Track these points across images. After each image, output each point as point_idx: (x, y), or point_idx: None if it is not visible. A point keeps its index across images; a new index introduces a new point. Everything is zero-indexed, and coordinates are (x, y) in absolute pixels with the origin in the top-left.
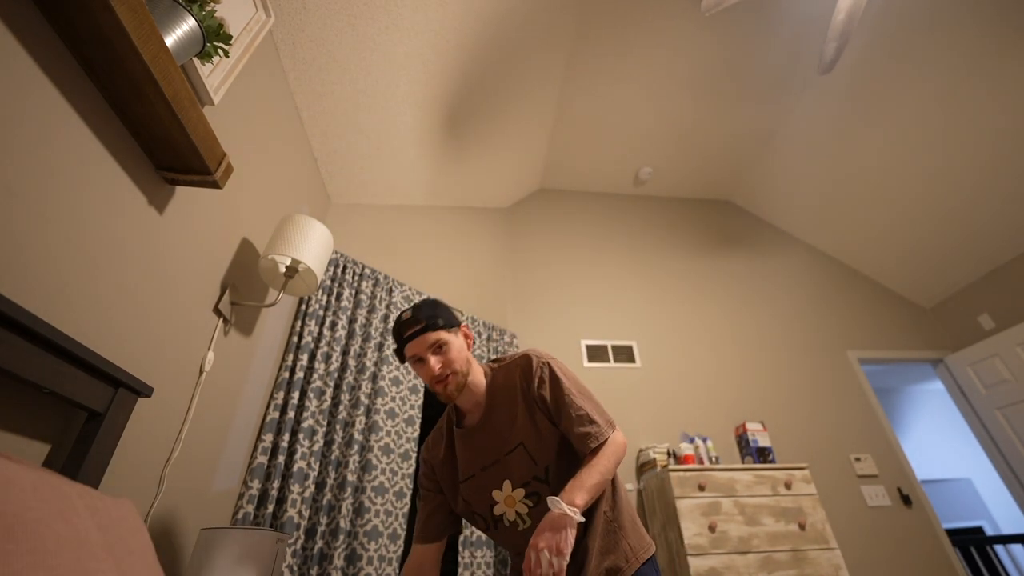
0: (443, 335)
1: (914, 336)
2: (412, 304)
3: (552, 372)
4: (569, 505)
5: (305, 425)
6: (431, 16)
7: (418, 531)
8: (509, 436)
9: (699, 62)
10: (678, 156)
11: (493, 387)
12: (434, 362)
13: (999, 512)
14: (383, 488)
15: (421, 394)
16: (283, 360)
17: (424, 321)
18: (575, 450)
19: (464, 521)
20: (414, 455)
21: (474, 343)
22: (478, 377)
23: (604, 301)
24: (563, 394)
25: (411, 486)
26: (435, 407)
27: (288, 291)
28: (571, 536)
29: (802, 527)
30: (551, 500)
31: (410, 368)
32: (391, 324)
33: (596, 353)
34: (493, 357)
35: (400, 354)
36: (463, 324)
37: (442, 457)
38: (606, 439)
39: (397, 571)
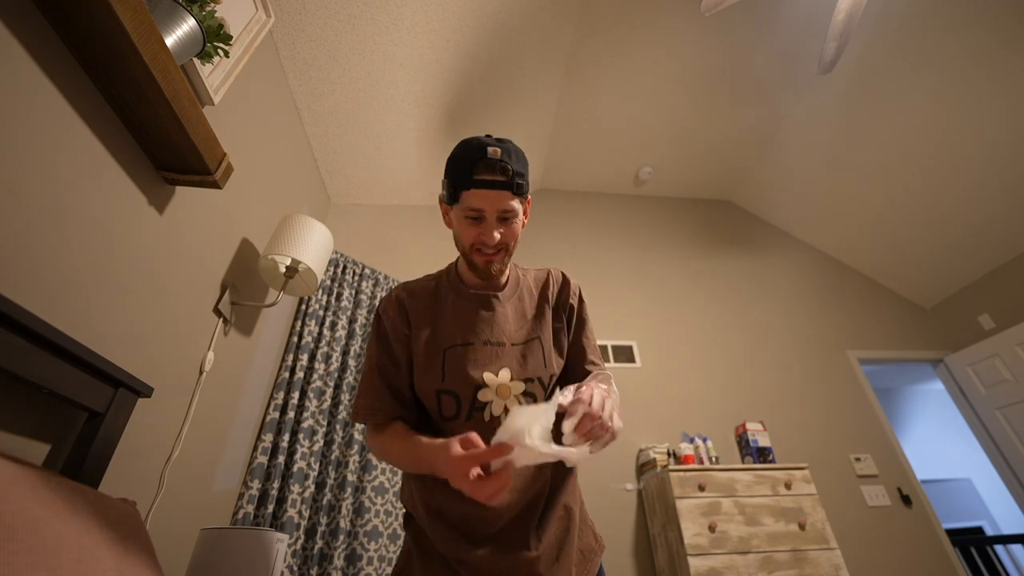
0: (518, 204)
1: (914, 336)
2: (500, 138)
3: (581, 295)
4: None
5: (305, 425)
6: (431, 16)
7: (371, 407)
8: (528, 326)
9: (699, 62)
10: (678, 156)
11: (520, 275)
12: (496, 232)
13: (999, 512)
14: (383, 488)
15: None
16: (283, 360)
17: (512, 175)
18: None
19: None
20: None
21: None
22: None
23: (604, 301)
24: (586, 318)
25: None
26: None
27: (288, 291)
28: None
29: (802, 527)
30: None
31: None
32: None
33: None
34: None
35: (454, 191)
36: (529, 196)
37: (423, 309)
38: (608, 379)
39: None
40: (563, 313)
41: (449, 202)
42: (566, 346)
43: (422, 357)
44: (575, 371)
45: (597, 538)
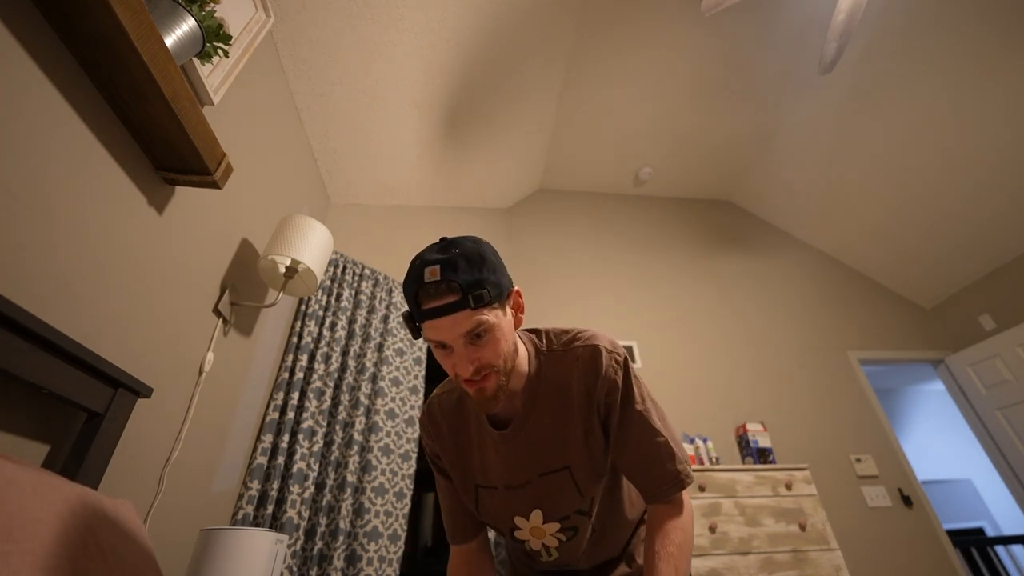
0: (488, 316)
1: (914, 336)
2: (443, 239)
3: (628, 373)
4: None
5: (305, 426)
6: (431, 16)
7: (449, 528)
8: (552, 453)
9: (699, 62)
10: (678, 156)
11: (540, 378)
12: (467, 359)
13: (1000, 513)
14: (383, 489)
15: (421, 395)
16: (283, 361)
17: (462, 290)
18: (622, 480)
19: None
20: (414, 456)
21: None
22: (521, 363)
23: (604, 301)
24: (633, 406)
25: (411, 487)
26: None
27: (288, 291)
28: None
29: (802, 528)
30: None
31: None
32: (391, 325)
33: None
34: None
35: (415, 327)
36: (516, 289)
37: (448, 433)
38: (685, 486)
39: (397, 572)
40: (597, 414)
41: (415, 337)
42: (606, 456)
43: (459, 483)
44: (638, 484)
45: None
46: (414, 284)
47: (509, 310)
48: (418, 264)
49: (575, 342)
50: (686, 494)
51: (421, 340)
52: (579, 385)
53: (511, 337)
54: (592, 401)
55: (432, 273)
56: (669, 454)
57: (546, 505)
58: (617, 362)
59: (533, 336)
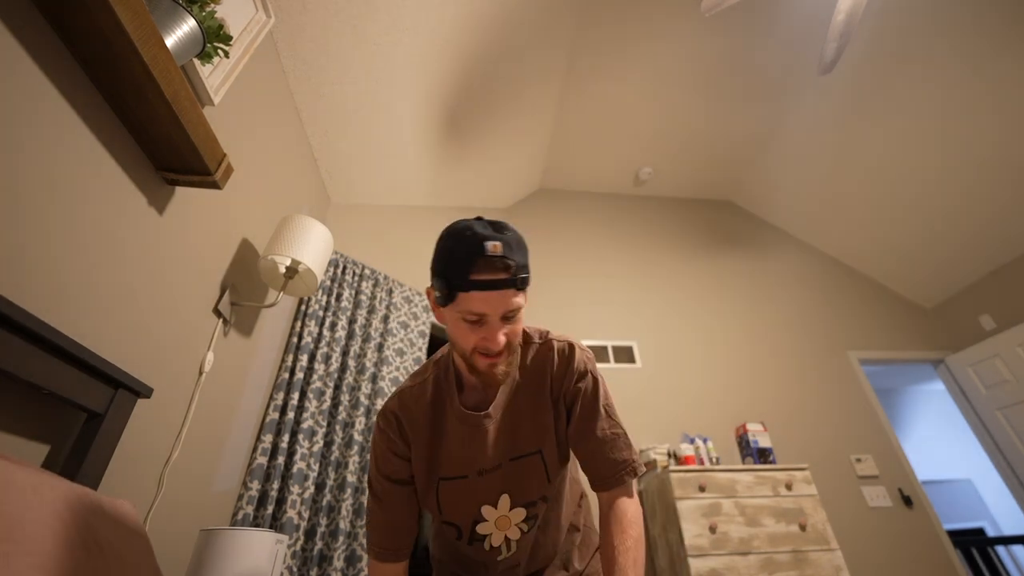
0: (522, 300)
1: (915, 336)
2: (489, 222)
3: (596, 371)
4: None
5: (305, 426)
6: (431, 16)
7: (376, 541)
8: (527, 437)
9: (699, 62)
10: (678, 156)
11: (523, 369)
12: (501, 336)
13: (1000, 513)
14: None
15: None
16: (283, 361)
17: (515, 271)
18: (568, 462)
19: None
20: None
21: None
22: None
23: (604, 301)
24: (598, 400)
25: None
26: None
27: (288, 291)
28: None
29: (803, 528)
30: None
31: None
32: (391, 325)
33: (596, 354)
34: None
35: (449, 291)
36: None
37: (421, 423)
38: (637, 474)
39: None
40: (564, 402)
41: (443, 303)
42: (567, 443)
43: (421, 482)
44: (591, 470)
45: None
46: (473, 248)
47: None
48: (471, 236)
49: (552, 338)
50: (634, 487)
51: (424, 342)
52: (553, 374)
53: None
54: (561, 389)
55: (495, 248)
56: (626, 444)
57: (515, 490)
58: (588, 359)
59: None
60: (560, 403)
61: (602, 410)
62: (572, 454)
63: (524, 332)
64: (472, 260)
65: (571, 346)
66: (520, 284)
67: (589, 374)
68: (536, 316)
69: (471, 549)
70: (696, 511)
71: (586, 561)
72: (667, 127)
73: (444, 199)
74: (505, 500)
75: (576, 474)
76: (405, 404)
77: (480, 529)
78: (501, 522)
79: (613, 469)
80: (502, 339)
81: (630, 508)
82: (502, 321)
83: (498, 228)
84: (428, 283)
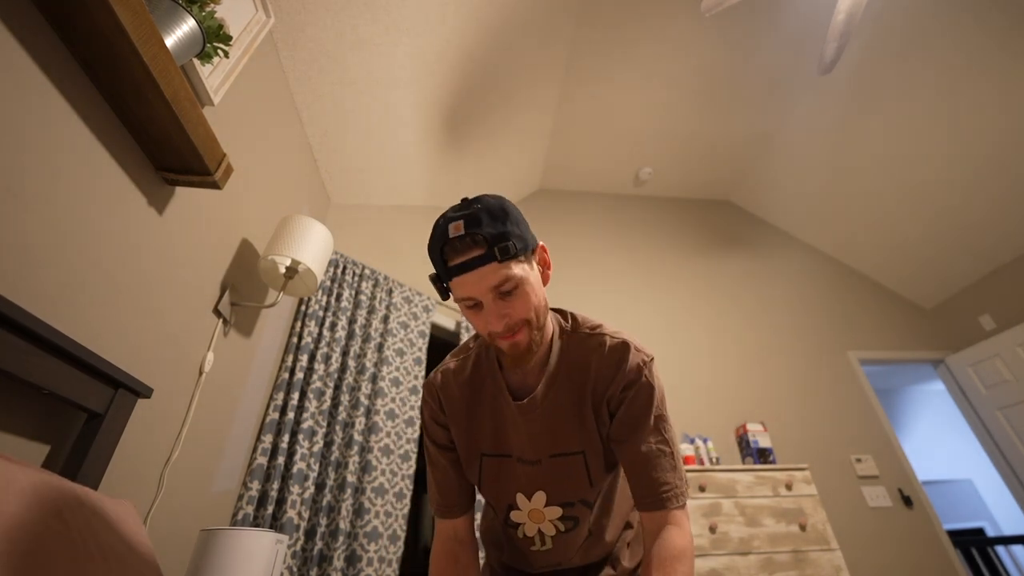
0: (516, 269)
1: (914, 336)
2: (464, 199)
3: (653, 376)
4: None
5: (305, 426)
6: (431, 17)
7: (438, 502)
8: (567, 434)
9: (699, 62)
10: (678, 156)
11: (559, 358)
12: (499, 315)
13: (1000, 513)
14: (383, 489)
15: (421, 395)
16: (283, 361)
17: (488, 243)
18: (617, 483)
19: None
20: (414, 456)
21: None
22: (547, 330)
23: (604, 301)
24: (651, 409)
25: (411, 487)
26: None
27: (288, 292)
28: None
29: (803, 528)
30: None
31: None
32: (391, 325)
33: None
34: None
35: (443, 287)
36: (541, 245)
37: (459, 400)
38: (677, 507)
39: (397, 572)
40: (608, 408)
41: (445, 297)
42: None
43: (464, 453)
44: (633, 486)
45: None
46: (439, 242)
47: (536, 265)
48: (441, 223)
49: (603, 332)
50: (686, 519)
51: (424, 342)
52: (597, 372)
53: (541, 291)
54: (607, 391)
55: (456, 228)
56: (673, 466)
57: (552, 488)
58: (644, 361)
59: (559, 315)
60: (603, 408)
61: (652, 421)
62: None
63: (573, 319)
64: (443, 249)
65: (624, 344)
66: (503, 254)
67: (643, 380)
68: None
69: (508, 532)
70: (696, 511)
71: (636, 560)
72: (667, 127)
73: (444, 199)
74: (540, 496)
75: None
76: (447, 380)
77: (513, 516)
78: (534, 515)
79: (658, 490)
80: (500, 322)
81: (677, 541)
82: (498, 299)
83: (466, 205)
84: (427, 283)
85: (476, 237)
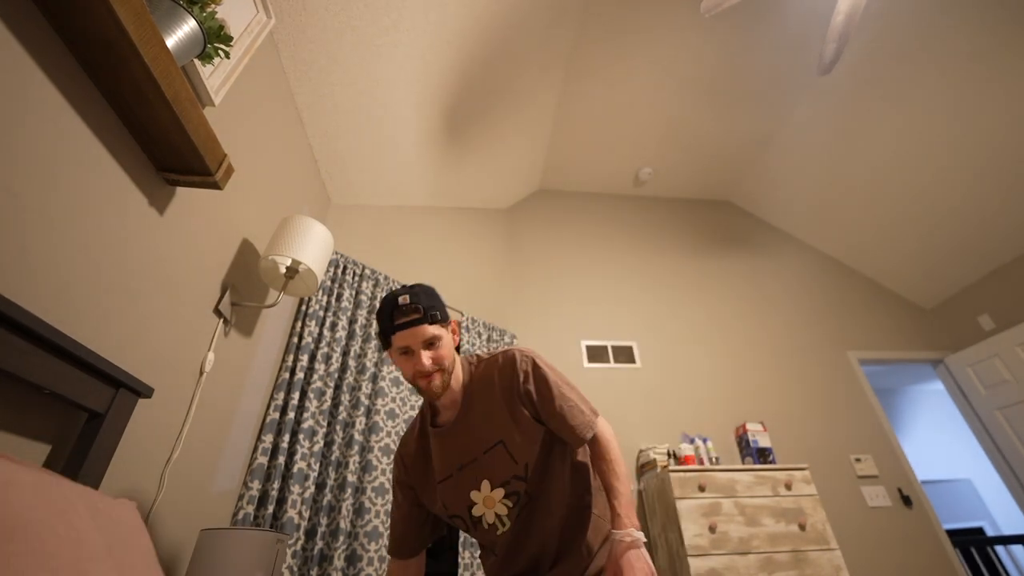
0: (439, 330)
1: (914, 336)
2: (404, 285)
3: (536, 366)
4: (633, 529)
5: (305, 426)
6: (431, 17)
7: (394, 545)
8: (487, 434)
9: (699, 63)
10: (678, 157)
11: (472, 384)
12: (425, 358)
13: (1000, 513)
14: (383, 489)
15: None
16: (283, 361)
17: (423, 311)
18: (553, 446)
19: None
20: None
21: (460, 339)
22: (458, 373)
23: (604, 301)
24: (550, 387)
25: None
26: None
27: (288, 292)
28: (649, 557)
29: (802, 528)
30: (615, 533)
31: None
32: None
33: (596, 354)
34: (476, 353)
35: (385, 339)
36: (453, 320)
37: (414, 455)
38: (597, 428)
39: None
40: (521, 401)
41: (384, 348)
42: (534, 427)
43: (427, 493)
44: (565, 437)
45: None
46: (390, 307)
47: (449, 332)
48: (390, 297)
49: (496, 353)
50: (605, 425)
51: None
52: (501, 381)
53: (452, 350)
54: (515, 391)
55: (404, 299)
56: (579, 410)
57: (490, 474)
58: (526, 358)
59: (469, 358)
60: (514, 402)
61: (553, 390)
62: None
63: (478, 357)
64: (392, 312)
65: (510, 354)
66: (431, 319)
67: (530, 372)
68: (536, 316)
69: (478, 533)
70: (696, 511)
71: (595, 550)
72: (667, 127)
73: (444, 199)
74: (486, 484)
75: (584, 458)
76: (405, 442)
77: (475, 512)
78: (487, 501)
79: (576, 431)
80: (427, 360)
81: (604, 448)
82: (426, 348)
83: (409, 287)
84: (427, 281)
85: (416, 307)
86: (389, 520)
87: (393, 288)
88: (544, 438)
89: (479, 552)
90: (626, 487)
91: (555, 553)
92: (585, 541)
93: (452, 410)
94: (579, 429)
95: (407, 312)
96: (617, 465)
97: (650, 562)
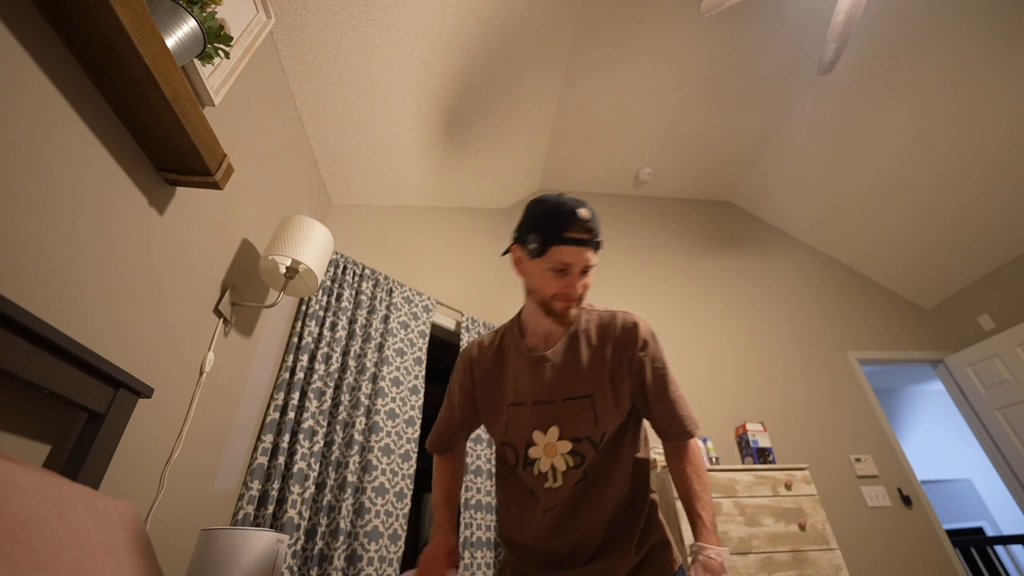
0: (597, 259)
1: (914, 337)
2: (569, 196)
3: (656, 342)
4: (724, 550)
5: (305, 426)
6: (431, 17)
7: (437, 440)
8: (579, 382)
9: (699, 63)
10: (678, 157)
11: (584, 328)
12: (580, 284)
13: (999, 513)
14: (383, 489)
15: (421, 395)
16: (283, 361)
17: (598, 236)
18: (628, 431)
19: (459, 512)
20: (414, 456)
21: None
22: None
23: (604, 302)
24: (667, 370)
25: (411, 487)
26: (435, 408)
27: (288, 292)
28: None
29: (802, 528)
30: (704, 548)
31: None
32: (391, 325)
33: None
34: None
35: (543, 245)
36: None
37: (488, 368)
38: (697, 432)
39: (398, 572)
40: (627, 370)
41: (536, 255)
42: (628, 401)
43: (489, 410)
44: (665, 426)
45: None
46: (568, 213)
47: None
48: (569, 203)
49: (615, 311)
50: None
51: (424, 342)
52: (615, 340)
53: None
54: (625, 355)
55: (585, 214)
56: (688, 405)
57: (564, 423)
58: (649, 329)
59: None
60: (622, 366)
61: (670, 374)
62: (636, 427)
63: (591, 305)
64: (567, 221)
65: (635, 320)
66: (597, 246)
67: (652, 344)
68: None
69: (525, 475)
70: None
71: (644, 551)
72: (667, 127)
73: (444, 199)
74: (554, 431)
75: (646, 453)
76: (483, 349)
77: (531, 453)
78: (548, 449)
79: (684, 423)
80: (580, 288)
81: (699, 450)
82: (581, 274)
83: (584, 202)
84: (427, 282)
85: (593, 226)
86: (436, 417)
87: (392, 288)
88: (628, 419)
89: (495, 508)
90: (711, 499)
91: (598, 545)
92: (634, 541)
93: (546, 341)
94: (687, 421)
95: (585, 229)
96: (704, 474)
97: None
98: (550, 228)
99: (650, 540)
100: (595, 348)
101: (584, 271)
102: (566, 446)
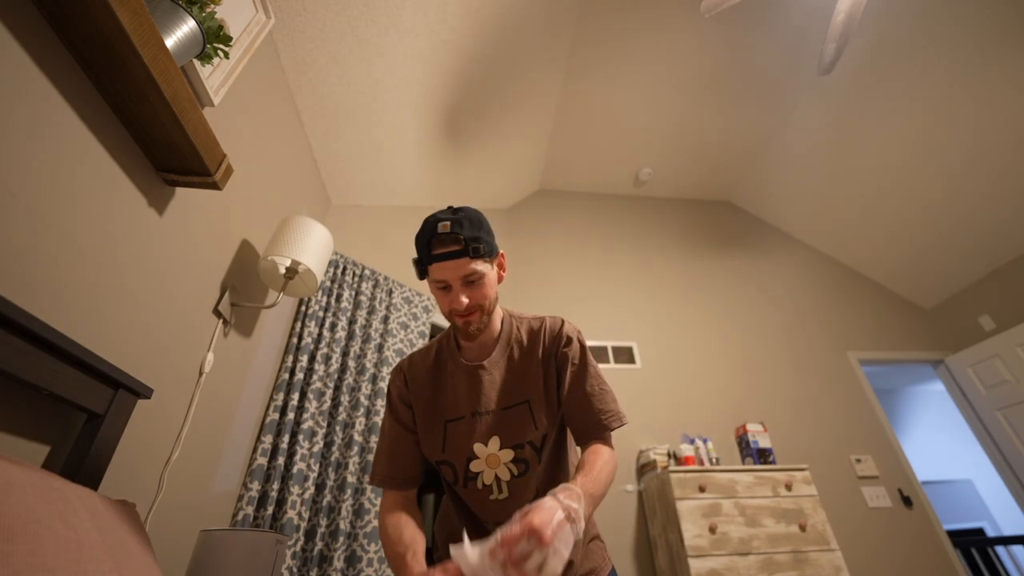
0: (481, 266)
1: (914, 337)
2: (451, 207)
3: (581, 339)
4: (581, 501)
5: (305, 426)
6: (431, 18)
7: (385, 473)
8: (516, 389)
9: (699, 63)
10: (678, 157)
11: (509, 334)
12: (463, 297)
13: (1000, 513)
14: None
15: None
16: (283, 361)
17: (464, 242)
18: (564, 434)
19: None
20: None
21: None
22: (496, 316)
23: (604, 302)
24: (588, 364)
25: None
26: None
27: (288, 292)
28: (570, 538)
29: (803, 528)
30: (560, 488)
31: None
32: (391, 326)
33: (596, 354)
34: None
35: (421, 269)
36: (501, 253)
37: (423, 382)
38: (618, 426)
39: None
40: (555, 367)
41: (420, 278)
42: (559, 399)
43: (424, 427)
44: (579, 423)
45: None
46: (428, 234)
47: (495, 268)
48: (431, 221)
49: (544, 316)
50: (615, 444)
51: (424, 342)
52: (545, 343)
53: (495, 288)
54: (551, 352)
55: (444, 227)
56: (613, 400)
57: (504, 432)
58: (575, 330)
59: (509, 309)
60: (551, 364)
61: (591, 369)
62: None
63: (519, 314)
64: (430, 239)
65: (560, 320)
66: (473, 253)
67: (576, 341)
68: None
69: (467, 491)
70: (696, 511)
71: (585, 544)
72: (667, 128)
73: (444, 200)
74: (495, 440)
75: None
76: (414, 363)
77: (473, 467)
78: (491, 460)
79: (598, 417)
80: (464, 300)
81: (605, 450)
82: (464, 286)
83: (454, 211)
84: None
85: (458, 237)
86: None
87: (392, 288)
88: (560, 421)
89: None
90: (598, 486)
91: None
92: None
93: (481, 351)
94: (606, 416)
95: (446, 242)
96: (603, 476)
97: (567, 538)
98: (420, 248)
99: (590, 535)
100: (527, 353)
101: (469, 282)
102: (508, 455)
